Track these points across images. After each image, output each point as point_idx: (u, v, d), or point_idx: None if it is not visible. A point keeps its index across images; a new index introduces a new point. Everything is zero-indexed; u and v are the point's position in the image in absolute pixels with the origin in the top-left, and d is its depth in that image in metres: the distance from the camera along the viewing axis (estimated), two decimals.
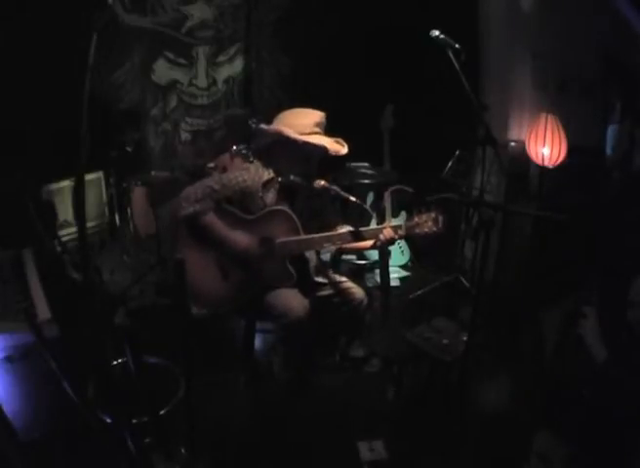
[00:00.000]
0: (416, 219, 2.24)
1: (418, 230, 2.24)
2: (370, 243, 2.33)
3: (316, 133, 2.29)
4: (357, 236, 2.28)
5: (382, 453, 2.18)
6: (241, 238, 2.30)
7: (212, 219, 2.30)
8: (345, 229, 2.34)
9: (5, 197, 2.67)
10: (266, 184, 2.34)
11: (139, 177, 3.60)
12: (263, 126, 2.42)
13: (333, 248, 2.44)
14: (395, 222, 2.35)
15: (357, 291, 2.47)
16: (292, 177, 2.32)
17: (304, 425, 2.36)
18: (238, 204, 2.34)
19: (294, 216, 2.29)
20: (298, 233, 2.28)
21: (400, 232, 2.26)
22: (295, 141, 2.24)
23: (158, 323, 2.77)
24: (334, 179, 2.41)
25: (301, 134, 2.26)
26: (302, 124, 2.28)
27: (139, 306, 3.21)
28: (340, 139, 2.35)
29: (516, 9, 3.41)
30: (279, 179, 2.35)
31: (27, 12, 3.31)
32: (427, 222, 2.23)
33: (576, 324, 2.09)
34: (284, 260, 2.30)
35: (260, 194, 2.32)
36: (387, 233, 2.24)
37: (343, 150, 2.34)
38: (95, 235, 3.85)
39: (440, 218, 2.22)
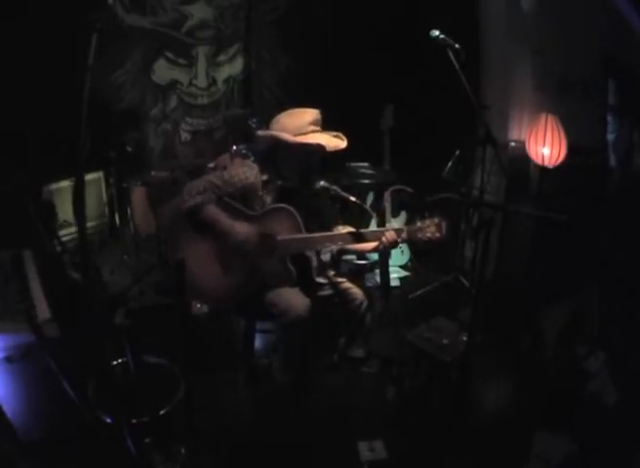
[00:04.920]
0: (419, 224, 2.22)
1: (420, 235, 2.21)
2: (372, 246, 2.30)
3: (313, 131, 2.28)
4: (359, 237, 2.26)
5: (382, 453, 2.18)
6: (241, 228, 2.28)
7: (213, 210, 2.29)
8: (347, 230, 2.33)
9: (5, 197, 2.67)
10: (266, 185, 2.34)
11: (139, 177, 3.60)
12: (260, 132, 2.42)
13: (334, 248, 2.43)
14: (395, 222, 2.33)
15: (357, 291, 2.46)
16: (291, 183, 2.33)
17: (304, 425, 2.36)
18: (239, 201, 2.33)
19: (297, 215, 2.28)
20: (300, 231, 2.28)
21: (403, 236, 2.24)
22: (292, 144, 2.25)
23: (158, 323, 2.77)
24: (334, 179, 2.40)
25: (298, 134, 2.25)
26: (298, 125, 2.27)
27: (139, 306, 3.21)
28: (339, 133, 2.34)
29: (516, 9, 3.41)
30: (279, 183, 2.34)
31: (27, 12, 3.31)
32: (430, 228, 2.20)
33: (578, 325, 2.09)
34: (284, 259, 2.30)
35: (261, 193, 2.32)
36: (390, 236, 2.22)
37: (342, 144, 2.31)
38: (95, 235, 3.85)
39: (443, 225, 2.19)
